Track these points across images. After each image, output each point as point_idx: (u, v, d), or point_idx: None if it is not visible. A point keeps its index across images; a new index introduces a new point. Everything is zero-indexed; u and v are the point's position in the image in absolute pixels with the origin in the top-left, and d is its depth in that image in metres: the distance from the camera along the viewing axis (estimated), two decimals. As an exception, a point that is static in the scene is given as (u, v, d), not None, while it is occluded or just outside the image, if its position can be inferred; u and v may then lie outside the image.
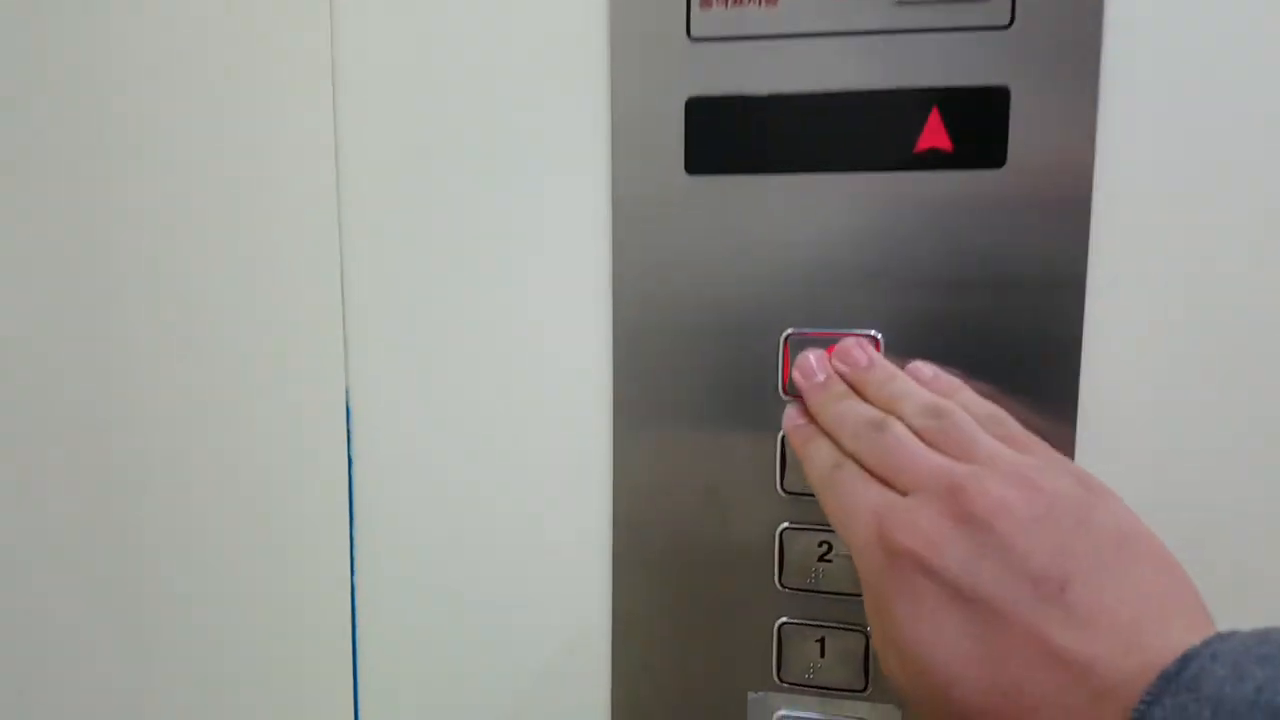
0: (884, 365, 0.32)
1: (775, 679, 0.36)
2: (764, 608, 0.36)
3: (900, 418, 0.29)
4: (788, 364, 0.34)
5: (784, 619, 0.36)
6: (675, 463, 0.36)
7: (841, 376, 0.32)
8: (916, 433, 0.28)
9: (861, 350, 0.33)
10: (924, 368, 0.33)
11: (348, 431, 0.39)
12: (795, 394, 0.34)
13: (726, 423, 0.36)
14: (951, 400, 0.30)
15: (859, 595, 0.35)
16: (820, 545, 0.35)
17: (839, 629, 0.36)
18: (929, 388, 0.31)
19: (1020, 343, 0.33)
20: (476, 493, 0.39)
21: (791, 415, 0.33)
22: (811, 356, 0.33)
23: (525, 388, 0.38)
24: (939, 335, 0.34)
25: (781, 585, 0.36)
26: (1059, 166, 0.33)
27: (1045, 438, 0.30)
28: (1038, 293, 0.33)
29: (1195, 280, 0.33)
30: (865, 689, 0.35)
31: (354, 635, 0.41)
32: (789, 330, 0.35)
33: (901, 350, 0.34)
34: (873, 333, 0.34)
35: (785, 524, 0.35)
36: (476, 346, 0.38)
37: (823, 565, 0.35)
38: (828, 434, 0.31)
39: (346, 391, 0.39)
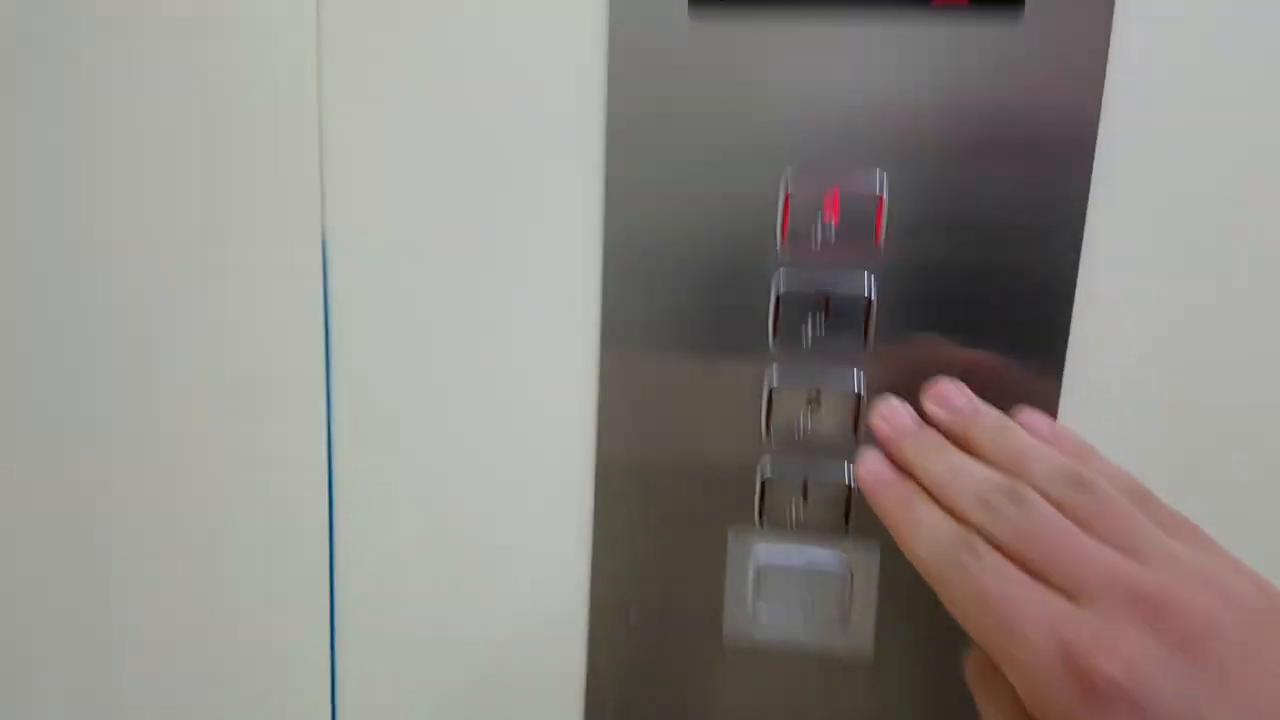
0: (992, 412, 0.27)
1: (757, 524, 0.37)
2: (748, 455, 0.37)
3: (1029, 483, 0.24)
4: (788, 212, 0.34)
5: (767, 464, 0.37)
6: (667, 320, 0.36)
7: (938, 424, 0.27)
8: (1056, 506, 0.23)
9: (962, 393, 0.27)
10: (1039, 421, 0.27)
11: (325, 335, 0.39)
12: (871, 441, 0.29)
13: (721, 288, 0.36)
14: (1086, 467, 0.25)
15: (844, 448, 0.36)
16: (810, 403, 0.36)
17: (823, 480, 0.36)
18: (1051, 446, 0.26)
19: (1023, 209, 0.33)
20: (459, 414, 0.39)
21: (872, 465, 0.27)
22: (895, 400, 0.28)
23: (509, 312, 0.38)
24: (943, 195, 0.33)
25: (767, 436, 0.36)
26: (1078, 12, 0.31)
27: (1036, 324, 0.31)
28: (1045, 151, 0.32)
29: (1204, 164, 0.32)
30: (847, 529, 0.36)
31: (332, 544, 0.41)
32: (789, 170, 0.34)
33: (905, 214, 0.33)
34: (877, 190, 0.33)
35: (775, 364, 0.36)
36: (455, 263, 0.38)
37: (811, 410, 0.36)
38: (933, 495, 0.25)
39: (325, 306, 0.39)
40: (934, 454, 0.26)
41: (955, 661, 0.37)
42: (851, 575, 0.37)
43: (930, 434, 0.27)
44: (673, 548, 0.38)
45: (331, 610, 0.42)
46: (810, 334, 0.35)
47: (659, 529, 0.38)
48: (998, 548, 0.23)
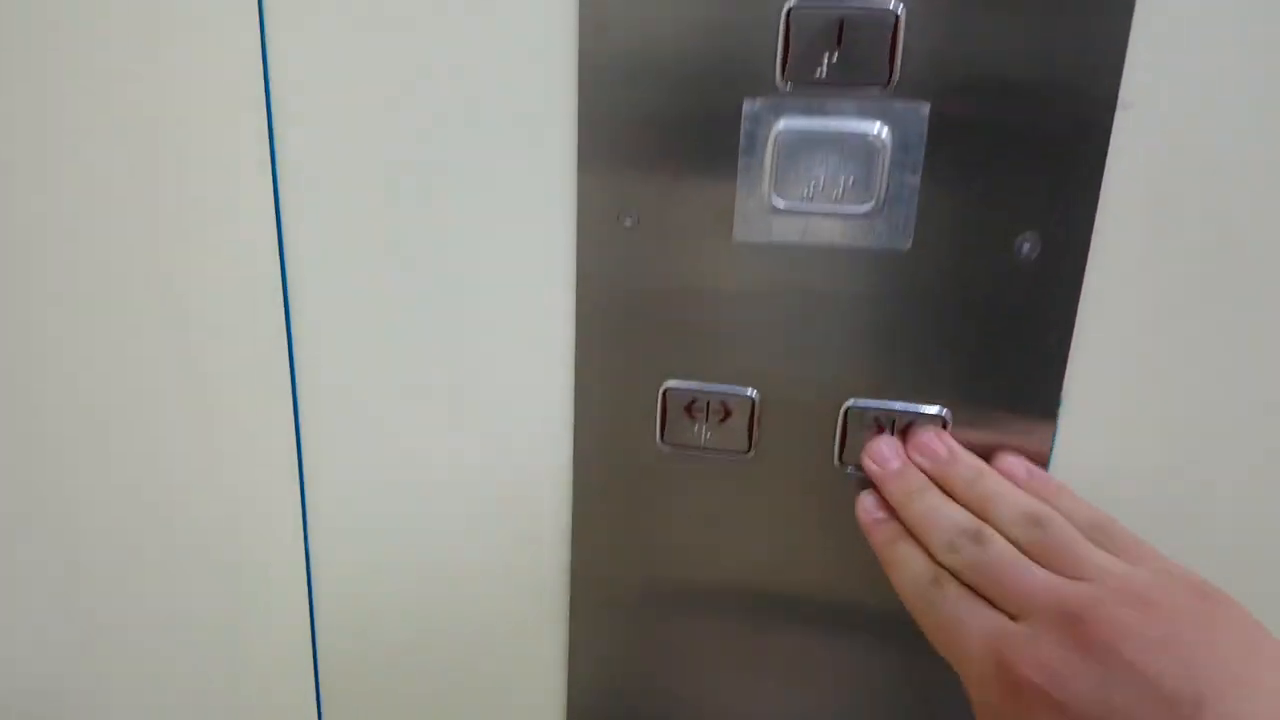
0: (968, 459, 0.31)
1: (777, 82, 0.30)
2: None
3: (995, 524, 0.28)
4: None
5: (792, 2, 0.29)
6: None
7: (922, 469, 0.31)
8: (1015, 543, 0.27)
9: (939, 440, 0.31)
10: (1016, 464, 0.31)
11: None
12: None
13: None
14: (1051, 505, 0.28)
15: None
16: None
17: (863, 17, 0.29)
18: (1024, 488, 0.29)
19: None
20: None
21: (868, 506, 0.32)
22: (884, 442, 0.32)
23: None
24: None
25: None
26: None
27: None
28: None
29: None
30: (889, 84, 0.29)
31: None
32: None
33: None
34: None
35: None
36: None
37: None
38: (914, 535, 0.29)
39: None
40: (915, 498, 0.30)
41: (1005, 252, 0.32)
42: (889, 145, 0.30)
43: (914, 476, 0.31)
44: (673, 128, 0.31)
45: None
46: None
47: (655, 104, 0.31)
48: (964, 583, 0.27)
